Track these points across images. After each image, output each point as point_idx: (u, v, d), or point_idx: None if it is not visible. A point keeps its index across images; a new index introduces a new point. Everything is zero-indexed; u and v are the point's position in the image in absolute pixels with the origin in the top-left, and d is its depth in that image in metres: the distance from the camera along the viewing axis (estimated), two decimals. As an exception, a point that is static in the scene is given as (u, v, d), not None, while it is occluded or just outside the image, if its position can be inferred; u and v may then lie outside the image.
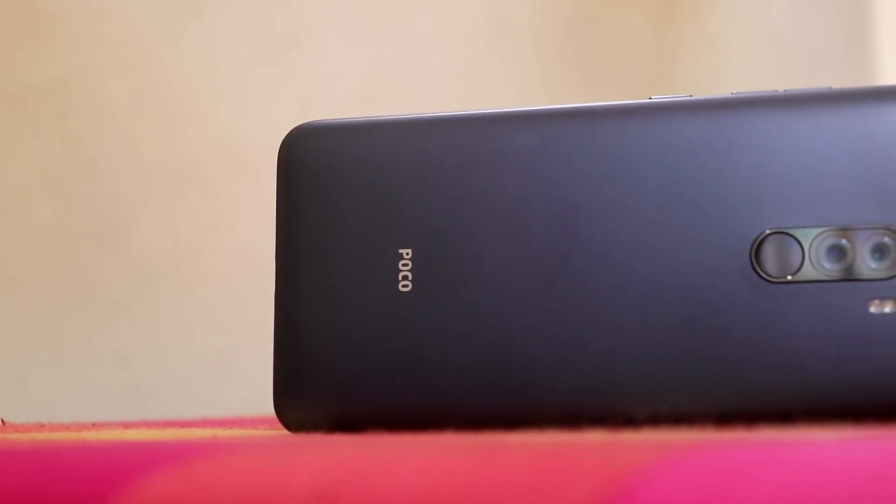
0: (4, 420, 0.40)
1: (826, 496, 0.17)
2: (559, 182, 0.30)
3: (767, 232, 0.29)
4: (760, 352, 0.28)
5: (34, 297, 0.63)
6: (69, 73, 0.64)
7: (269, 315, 0.32)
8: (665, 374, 0.29)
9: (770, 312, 0.28)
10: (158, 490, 0.21)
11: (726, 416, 0.28)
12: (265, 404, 0.33)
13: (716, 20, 0.80)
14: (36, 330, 0.63)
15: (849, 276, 0.28)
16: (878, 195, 0.28)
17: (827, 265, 0.28)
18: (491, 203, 0.30)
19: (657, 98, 0.30)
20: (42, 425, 0.38)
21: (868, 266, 0.28)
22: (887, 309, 0.28)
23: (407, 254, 0.31)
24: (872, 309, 0.28)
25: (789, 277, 0.29)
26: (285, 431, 0.32)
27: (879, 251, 0.28)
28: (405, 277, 0.31)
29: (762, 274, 0.29)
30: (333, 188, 0.32)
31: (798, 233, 0.29)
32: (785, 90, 0.30)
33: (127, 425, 0.38)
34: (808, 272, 0.28)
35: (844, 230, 0.28)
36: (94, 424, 0.39)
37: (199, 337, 0.66)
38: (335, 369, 0.31)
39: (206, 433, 0.33)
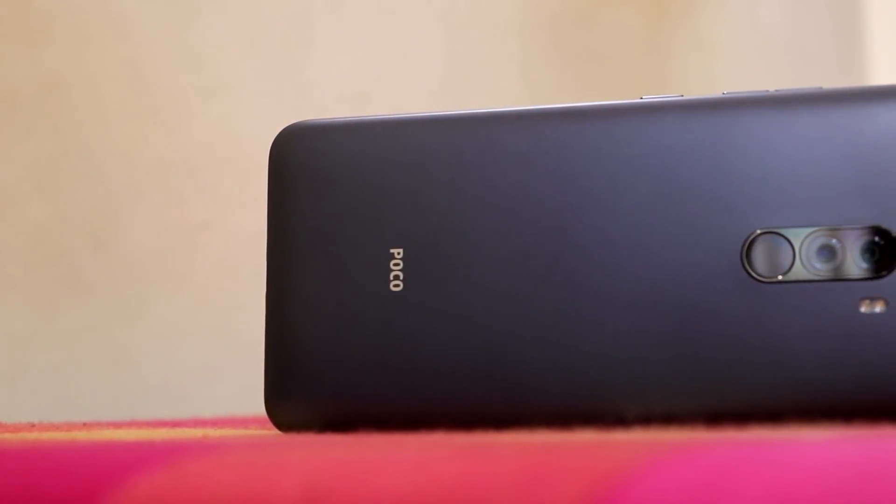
0: (-5, 420, 0.40)
1: (814, 495, 0.17)
2: (550, 182, 0.30)
3: (758, 232, 0.29)
4: (751, 351, 0.28)
5: (26, 296, 0.63)
6: (61, 71, 0.64)
7: (261, 314, 0.32)
8: (656, 373, 0.29)
9: (760, 312, 0.28)
10: (148, 490, 0.21)
11: (717, 416, 0.28)
12: (256, 404, 0.33)
13: (706, 20, 0.80)
14: (27, 329, 0.63)
15: (839, 276, 0.28)
16: (869, 195, 0.28)
17: (817, 265, 0.28)
18: (482, 203, 0.30)
19: (648, 98, 0.31)
20: (33, 425, 0.38)
21: (858, 266, 0.28)
22: (877, 309, 0.28)
23: (398, 253, 0.31)
24: (862, 309, 0.28)
25: (780, 277, 0.29)
26: (276, 431, 0.32)
27: (869, 251, 0.28)
28: (396, 277, 0.31)
29: (753, 274, 0.29)
30: (325, 188, 0.32)
31: (789, 233, 0.29)
32: (776, 90, 0.30)
33: (118, 425, 0.38)
34: (799, 272, 0.29)
35: (835, 230, 0.29)
36: (84, 424, 0.39)
37: (191, 336, 0.66)
38: (326, 369, 0.31)
39: (197, 433, 0.33)
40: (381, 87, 0.71)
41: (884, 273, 0.28)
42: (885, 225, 0.28)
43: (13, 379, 0.62)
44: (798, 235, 0.29)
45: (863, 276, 0.28)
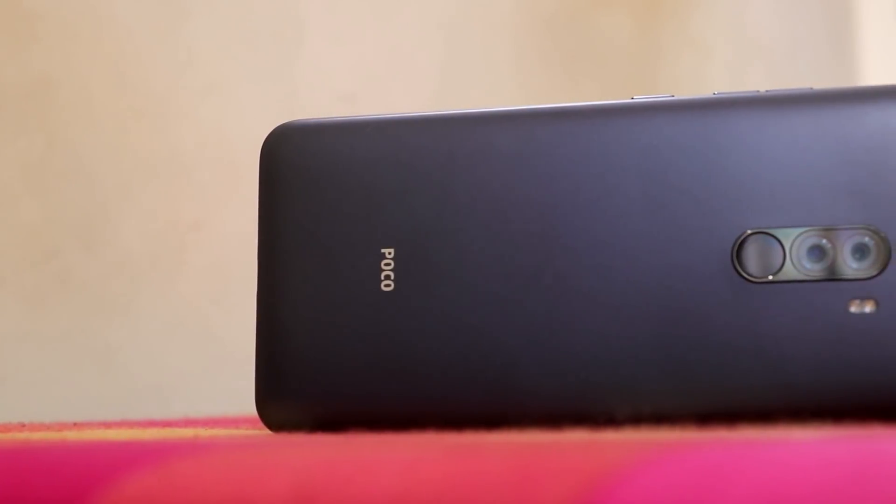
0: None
1: (803, 495, 0.17)
2: (541, 182, 0.30)
3: (749, 232, 0.29)
4: (741, 351, 0.28)
5: (16, 295, 0.63)
6: (52, 70, 0.64)
7: (252, 314, 0.32)
8: (646, 373, 0.29)
9: (751, 312, 0.28)
10: (137, 489, 0.21)
11: (707, 416, 0.28)
12: (248, 404, 0.33)
13: (698, 20, 0.80)
14: (18, 328, 0.63)
15: (829, 276, 0.28)
16: (859, 195, 0.28)
17: (808, 265, 0.29)
18: (473, 203, 0.30)
19: (639, 98, 0.31)
20: (23, 425, 0.38)
21: (849, 266, 0.28)
22: (867, 309, 0.28)
23: (389, 253, 0.31)
24: (853, 309, 0.28)
25: (770, 277, 0.29)
26: (268, 431, 0.32)
27: (860, 251, 0.28)
28: (388, 277, 0.31)
29: (743, 274, 0.29)
30: (316, 187, 0.32)
31: (779, 233, 0.29)
32: (766, 91, 0.30)
33: (108, 425, 0.38)
34: (789, 272, 0.29)
35: (825, 230, 0.29)
36: (75, 424, 0.39)
37: (182, 336, 0.66)
38: (317, 369, 0.31)
39: (188, 433, 0.33)
40: (373, 87, 0.71)
41: (874, 273, 0.28)
42: (875, 225, 0.28)
43: (3, 378, 0.62)
44: (788, 236, 0.29)
45: (853, 277, 0.28)
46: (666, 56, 0.79)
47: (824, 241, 0.29)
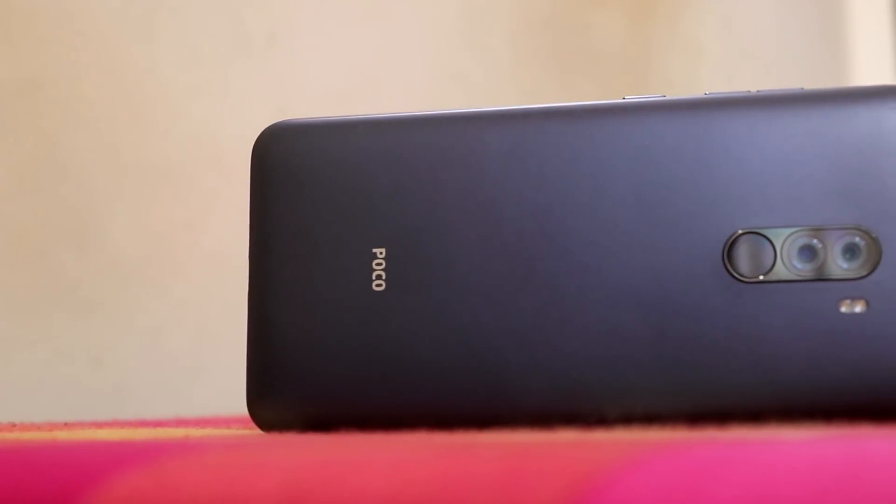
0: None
1: (792, 495, 0.17)
2: (533, 182, 0.30)
3: (739, 232, 0.29)
4: (732, 351, 0.28)
5: (6, 296, 0.63)
6: (42, 71, 0.64)
7: (243, 314, 0.32)
8: (637, 373, 0.29)
9: (742, 312, 0.28)
10: (128, 489, 0.21)
11: (698, 416, 0.28)
12: (239, 404, 0.33)
13: (689, 21, 0.80)
14: (8, 328, 0.62)
15: (820, 276, 0.28)
16: (850, 196, 0.28)
17: (798, 265, 0.29)
18: (464, 203, 0.30)
19: (631, 98, 0.31)
20: (13, 425, 0.38)
21: (839, 266, 0.28)
22: (857, 309, 0.28)
23: (380, 253, 0.31)
24: (843, 309, 0.28)
25: (761, 277, 0.29)
26: (259, 431, 0.32)
27: (850, 251, 0.28)
28: (379, 277, 0.31)
29: (734, 274, 0.29)
30: (307, 187, 0.31)
31: (770, 233, 0.29)
32: (757, 91, 0.30)
33: (99, 425, 0.38)
34: (780, 272, 0.29)
35: (816, 230, 0.29)
36: (66, 424, 0.39)
37: (173, 336, 0.66)
38: (308, 369, 0.31)
39: (179, 433, 0.33)
40: (365, 87, 0.71)
41: (864, 273, 0.28)
42: (865, 225, 0.28)
43: (-6, 379, 0.62)
44: (779, 236, 0.29)
45: (844, 277, 0.28)
46: (657, 56, 0.79)
47: (815, 241, 0.29)
